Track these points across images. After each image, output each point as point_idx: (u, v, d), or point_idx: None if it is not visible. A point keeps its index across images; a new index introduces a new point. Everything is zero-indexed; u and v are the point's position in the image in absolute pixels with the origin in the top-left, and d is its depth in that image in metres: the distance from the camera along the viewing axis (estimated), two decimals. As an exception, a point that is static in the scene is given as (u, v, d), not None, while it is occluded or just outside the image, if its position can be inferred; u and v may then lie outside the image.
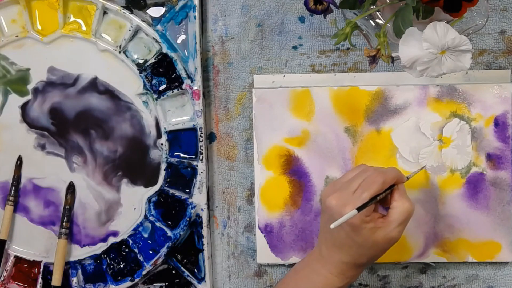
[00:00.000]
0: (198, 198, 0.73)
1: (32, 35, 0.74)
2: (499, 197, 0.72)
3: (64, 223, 0.74)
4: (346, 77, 0.73)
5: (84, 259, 0.75)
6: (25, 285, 0.76)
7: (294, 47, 0.74)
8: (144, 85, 0.73)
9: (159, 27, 0.73)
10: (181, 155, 0.74)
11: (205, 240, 0.74)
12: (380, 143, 0.72)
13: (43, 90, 0.75)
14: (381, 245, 0.61)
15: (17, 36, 0.74)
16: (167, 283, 0.75)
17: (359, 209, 0.57)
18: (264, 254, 0.74)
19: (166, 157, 0.74)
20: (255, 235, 0.74)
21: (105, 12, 0.74)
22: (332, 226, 0.56)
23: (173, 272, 0.75)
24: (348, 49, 0.74)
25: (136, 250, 0.74)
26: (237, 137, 0.75)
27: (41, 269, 0.75)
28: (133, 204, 0.75)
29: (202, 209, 0.74)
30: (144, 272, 0.74)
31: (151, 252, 0.74)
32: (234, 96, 0.75)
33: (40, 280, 0.75)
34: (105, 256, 0.75)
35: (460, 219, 0.72)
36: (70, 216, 0.75)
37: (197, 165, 0.73)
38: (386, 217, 0.61)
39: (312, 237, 0.73)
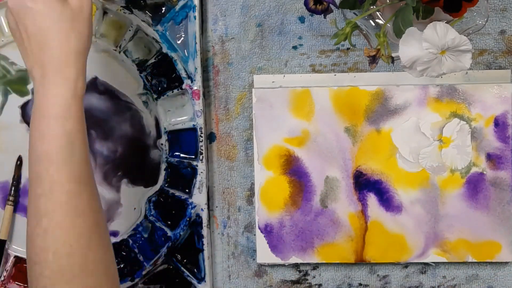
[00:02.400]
0: (198, 198, 0.73)
1: (32, 35, 0.74)
2: (499, 197, 0.72)
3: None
4: (346, 77, 0.73)
5: (84, 259, 0.75)
6: (25, 285, 0.76)
7: (294, 47, 0.74)
8: (144, 85, 0.73)
9: (159, 27, 0.73)
10: (181, 155, 0.74)
11: (205, 240, 0.74)
12: (380, 143, 0.72)
13: (43, 90, 0.74)
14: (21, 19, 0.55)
15: (17, 36, 0.74)
16: (167, 283, 0.75)
17: None
18: (264, 254, 0.74)
19: (166, 157, 0.74)
20: (255, 235, 0.74)
21: (105, 12, 0.74)
22: None
23: (173, 272, 0.75)
24: (348, 49, 0.74)
25: (136, 250, 0.74)
26: (237, 137, 0.75)
27: (41, 269, 0.75)
28: (133, 204, 0.75)
29: (202, 209, 0.74)
30: (144, 272, 0.74)
31: (151, 252, 0.74)
32: (234, 96, 0.75)
33: (40, 280, 0.75)
34: (105, 256, 0.75)
35: (460, 219, 0.72)
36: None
37: (197, 165, 0.73)
38: None
39: (312, 237, 0.73)
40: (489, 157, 0.72)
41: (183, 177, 0.74)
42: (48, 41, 0.56)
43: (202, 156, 0.73)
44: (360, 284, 0.75)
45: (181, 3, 0.72)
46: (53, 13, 0.56)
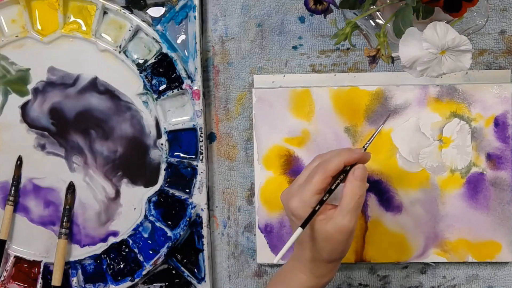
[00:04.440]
0: (198, 198, 0.73)
1: (32, 35, 0.74)
2: (499, 197, 0.72)
3: (64, 223, 0.74)
4: (346, 77, 0.73)
5: (84, 259, 0.75)
6: (25, 285, 0.76)
7: (294, 47, 0.74)
8: (144, 85, 0.73)
9: (159, 27, 0.73)
10: (181, 155, 0.74)
11: (205, 240, 0.74)
12: (380, 143, 0.72)
13: (43, 90, 0.75)
14: (335, 236, 0.57)
15: (17, 36, 0.74)
16: (167, 283, 0.75)
17: (303, 225, 0.56)
18: (264, 254, 0.74)
19: (166, 157, 0.74)
20: (255, 235, 0.74)
21: (105, 12, 0.74)
22: (275, 261, 0.56)
23: (173, 272, 0.75)
24: (348, 49, 0.74)
25: (136, 250, 0.74)
26: (237, 137, 0.75)
27: (41, 269, 0.75)
28: (133, 204, 0.75)
29: (202, 209, 0.74)
30: (144, 272, 0.74)
31: (151, 252, 0.74)
32: (234, 96, 0.75)
33: (40, 280, 0.75)
34: (105, 256, 0.75)
35: (460, 219, 0.72)
36: (70, 216, 0.75)
37: (197, 165, 0.73)
38: (337, 207, 0.58)
39: (312, 237, 0.73)
40: (489, 157, 0.72)
41: (183, 177, 0.74)
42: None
43: (202, 156, 0.73)
44: (360, 284, 0.75)
45: (181, 3, 0.72)
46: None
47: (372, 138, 0.62)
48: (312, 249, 0.59)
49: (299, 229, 0.56)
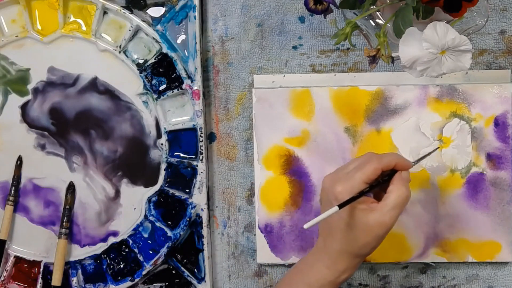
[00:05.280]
0: (198, 198, 0.73)
1: (32, 35, 0.74)
2: (499, 197, 0.72)
3: (64, 223, 0.74)
4: (346, 77, 0.73)
5: (84, 259, 0.75)
6: (25, 285, 0.76)
7: (294, 47, 0.74)
8: (144, 85, 0.73)
9: (159, 27, 0.73)
10: (181, 155, 0.74)
11: (205, 240, 0.74)
12: (380, 143, 0.72)
13: (43, 90, 0.75)
14: (373, 229, 0.58)
15: (17, 36, 0.74)
16: (167, 283, 0.75)
17: (342, 205, 0.56)
18: (264, 254, 0.74)
19: (166, 157, 0.74)
20: (255, 235, 0.74)
21: (105, 12, 0.74)
22: (305, 226, 0.54)
23: (173, 272, 0.75)
24: (348, 49, 0.74)
25: (136, 250, 0.74)
26: (237, 137, 0.75)
27: (41, 269, 0.75)
28: (133, 204, 0.75)
29: (202, 209, 0.74)
30: (144, 272, 0.74)
31: (151, 252, 0.74)
32: (234, 96, 0.75)
33: (40, 280, 0.75)
34: (105, 256, 0.75)
35: (460, 219, 0.72)
36: (70, 216, 0.75)
37: (197, 165, 0.73)
38: (381, 201, 0.58)
39: (312, 237, 0.73)
40: (489, 157, 0.72)
41: (183, 177, 0.74)
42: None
43: (202, 156, 0.73)
44: (360, 284, 0.75)
45: (181, 3, 0.72)
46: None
47: (423, 158, 0.65)
48: (344, 238, 0.59)
49: (335, 208, 0.55)
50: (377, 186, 0.59)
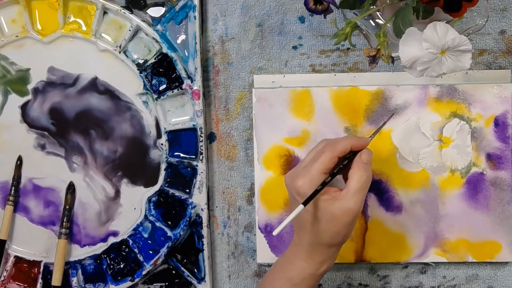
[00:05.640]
0: (198, 198, 0.73)
1: (32, 35, 0.74)
2: (499, 197, 0.72)
3: (64, 223, 0.74)
4: (346, 77, 0.73)
5: (84, 259, 0.75)
6: (25, 285, 0.76)
7: (294, 47, 0.74)
8: (144, 85, 0.73)
9: (159, 27, 0.73)
10: (181, 155, 0.74)
11: (205, 240, 0.74)
12: (380, 143, 0.72)
13: (43, 90, 0.75)
14: (340, 217, 0.57)
15: (17, 36, 0.74)
16: (167, 283, 0.75)
17: (305, 202, 0.56)
18: (264, 254, 0.74)
19: (166, 157, 0.74)
20: (255, 235, 0.74)
21: (105, 12, 0.74)
22: (274, 233, 0.55)
23: (173, 272, 0.75)
24: (348, 49, 0.74)
25: (136, 250, 0.74)
26: (237, 137, 0.75)
27: (41, 269, 0.75)
28: (133, 204, 0.75)
29: (202, 209, 0.74)
30: (144, 272, 0.74)
31: (151, 252, 0.74)
32: (234, 96, 0.75)
33: (40, 280, 0.75)
34: (105, 256, 0.75)
35: (460, 219, 0.72)
36: (70, 216, 0.75)
37: (197, 165, 0.73)
38: (343, 189, 0.58)
39: (312, 237, 0.73)
40: (489, 157, 0.72)
41: (183, 177, 0.74)
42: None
43: (202, 156, 0.73)
44: (360, 284, 0.75)
45: (181, 3, 0.72)
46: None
47: (378, 130, 0.64)
48: (313, 231, 0.59)
49: (300, 206, 0.55)
50: (339, 173, 0.59)
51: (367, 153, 0.59)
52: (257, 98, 0.73)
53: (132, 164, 0.75)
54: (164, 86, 0.73)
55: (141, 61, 0.74)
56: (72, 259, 0.75)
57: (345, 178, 0.60)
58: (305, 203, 0.56)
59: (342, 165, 0.59)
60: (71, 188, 0.75)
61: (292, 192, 0.59)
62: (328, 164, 0.58)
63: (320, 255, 0.60)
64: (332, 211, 0.57)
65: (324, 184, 0.57)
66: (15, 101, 0.75)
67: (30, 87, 0.75)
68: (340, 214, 0.57)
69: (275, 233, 0.54)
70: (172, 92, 0.73)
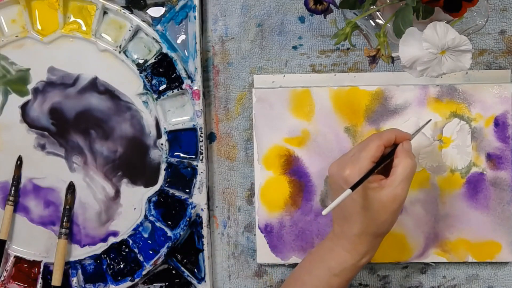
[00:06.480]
0: (198, 198, 0.73)
1: (32, 35, 0.74)
2: (499, 197, 0.72)
3: (64, 223, 0.74)
4: (346, 77, 0.73)
5: (84, 259, 0.75)
6: (25, 285, 0.76)
7: (294, 47, 0.74)
8: (144, 85, 0.73)
9: (159, 27, 0.73)
10: (181, 155, 0.74)
11: (205, 240, 0.74)
12: (380, 143, 0.72)
13: (43, 90, 0.75)
14: (388, 204, 0.58)
15: (17, 36, 0.74)
16: (167, 283, 0.75)
17: (354, 187, 0.56)
18: (264, 254, 0.74)
19: (166, 157, 0.74)
20: (255, 235, 0.74)
21: (105, 12, 0.74)
22: (324, 212, 0.54)
23: (173, 272, 0.75)
24: (348, 49, 0.74)
25: (136, 250, 0.74)
26: (237, 137, 0.75)
27: (41, 269, 0.75)
28: (133, 204, 0.75)
29: (202, 209, 0.74)
30: (144, 272, 0.74)
31: (151, 252, 0.74)
32: (234, 96, 0.75)
33: (40, 280, 0.75)
34: (105, 256, 0.75)
35: (460, 219, 0.72)
36: (70, 216, 0.75)
37: (197, 165, 0.73)
38: (389, 176, 0.59)
39: (312, 237, 0.73)
40: (489, 157, 0.72)
41: (183, 177, 0.74)
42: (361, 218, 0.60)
43: (202, 156, 0.73)
44: (360, 284, 0.75)
45: (181, 3, 0.72)
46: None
47: (418, 131, 0.67)
48: (361, 220, 0.59)
49: (348, 190, 0.55)
50: (384, 162, 0.60)
51: (408, 143, 0.61)
52: (257, 98, 0.73)
53: (132, 164, 0.75)
54: (164, 86, 0.73)
55: (141, 61, 0.74)
56: (72, 259, 0.75)
57: (387, 174, 0.61)
58: (353, 188, 0.56)
59: (387, 155, 0.61)
60: (71, 188, 0.75)
61: (340, 182, 0.60)
62: (375, 152, 0.59)
63: (364, 246, 0.60)
64: (381, 199, 0.58)
65: (370, 172, 0.58)
66: (15, 101, 0.75)
67: (30, 87, 0.75)
68: (389, 202, 0.58)
69: (324, 212, 0.54)
70: (172, 92, 0.73)
